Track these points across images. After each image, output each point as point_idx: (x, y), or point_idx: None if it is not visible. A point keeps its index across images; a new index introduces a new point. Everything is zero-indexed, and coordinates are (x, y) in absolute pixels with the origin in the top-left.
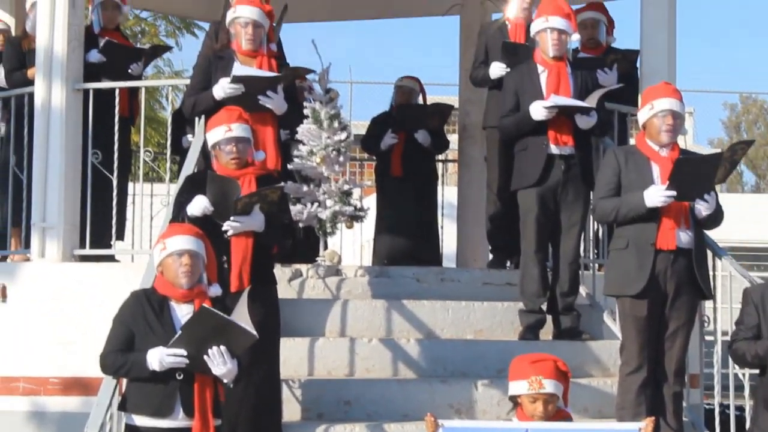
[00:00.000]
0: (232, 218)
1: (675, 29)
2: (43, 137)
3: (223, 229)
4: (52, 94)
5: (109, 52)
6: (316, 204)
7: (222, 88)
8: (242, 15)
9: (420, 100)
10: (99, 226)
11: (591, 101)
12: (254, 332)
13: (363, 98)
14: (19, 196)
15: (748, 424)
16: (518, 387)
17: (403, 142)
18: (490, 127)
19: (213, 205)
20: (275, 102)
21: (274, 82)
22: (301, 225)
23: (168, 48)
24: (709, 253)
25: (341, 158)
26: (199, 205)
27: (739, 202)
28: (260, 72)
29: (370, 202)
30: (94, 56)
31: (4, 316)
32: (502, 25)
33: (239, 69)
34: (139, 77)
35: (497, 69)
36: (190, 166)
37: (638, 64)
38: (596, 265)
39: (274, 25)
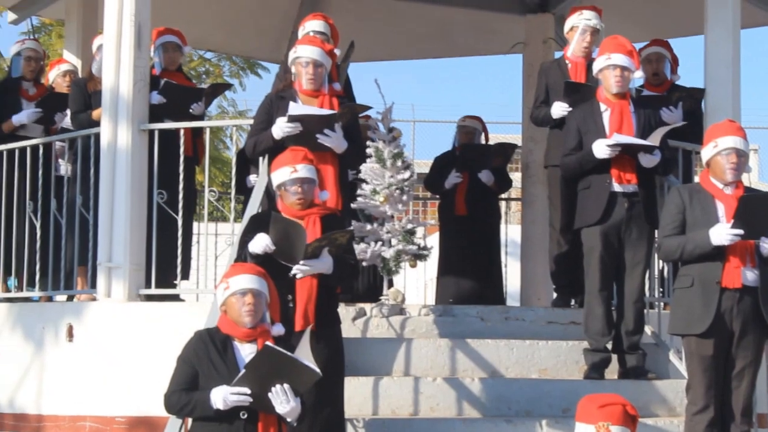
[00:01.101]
0: (301, 262)
1: (739, 66)
2: (109, 177)
3: (292, 273)
4: (118, 135)
5: (169, 93)
6: (379, 243)
7: (279, 128)
8: (303, 55)
9: (482, 140)
10: (164, 265)
11: (654, 139)
12: (317, 370)
13: (426, 137)
14: (86, 236)
15: None
16: (585, 431)
17: (467, 181)
18: (551, 165)
19: (275, 244)
20: (334, 140)
21: (331, 120)
22: (365, 264)
23: (228, 85)
24: None
25: (404, 197)
26: (260, 243)
27: None
28: (316, 110)
29: (434, 241)
30: (155, 98)
31: (70, 355)
32: (563, 63)
33: (295, 108)
34: (201, 116)
35: (559, 109)
36: (254, 206)
37: (702, 102)
38: (661, 304)
39: (338, 63)
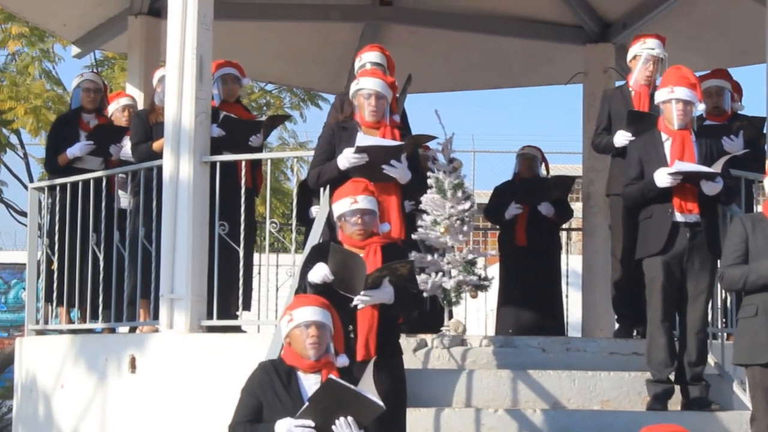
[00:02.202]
0: (362, 292)
1: None
2: (171, 209)
3: (353, 303)
4: (180, 167)
5: (228, 126)
6: (440, 274)
7: (346, 159)
8: (365, 87)
9: (542, 168)
10: (225, 296)
11: (716, 167)
12: (381, 403)
13: (486, 167)
14: (148, 267)
15: None
16: None
17: (527, 211)
18: (613, 194)
19: (333, 274)
20: (399, 171)
21: (397, 151)
22: (425, 295)
23: (287, 117)
24: None
25: (465, 227)
26: (319, 273)
27: None
28: (383, 141)
29: (494, 272)
30: (215, 131)
31: (133, 386)
32: (626, 91)
33: (363, 139)
34: (260, 148)
35: (621, 138)
36: (315, 237)
37: (766, 131)
38: (725, 334)
39: (397, 95)
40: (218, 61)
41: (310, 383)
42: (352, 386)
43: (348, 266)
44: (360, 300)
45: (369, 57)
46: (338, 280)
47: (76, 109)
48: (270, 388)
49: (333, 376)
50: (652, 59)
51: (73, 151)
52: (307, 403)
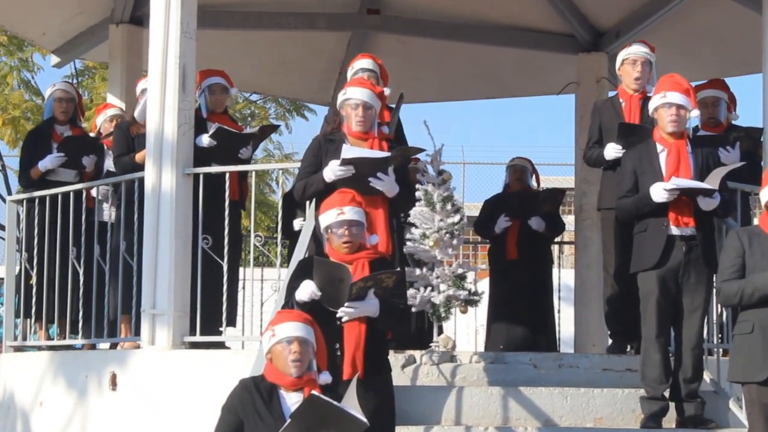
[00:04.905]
0: (346, 304)
1: None
2: (153, 222)
3: (338, 315)
4: (162, 179)
5: (220, 137)
6: (429, 288)
7: (332, 171)
8: (352, 97)
9: (533, 180)
10: (209, 312)
11: (713, 182)
12: (364, 419)
13: (476, 179)
14: (129, 282)
15: None
16: None
17: (518, 225)
18: (605, 208)
19: (320, 290)
20: (386, 184)
21: (384, 164)
22: (414, 310)
23: (276, 127)
24: None
25: (455, 241)
26: (306, 291)
27: None
28: (370, 153)
29: (484, 286)
30: (205, 141)
31: (114, 404)
32: (616, 102)
33: (348, 151)
34: (248, 160)
35: (612, 151)
36: (301, 251)
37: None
38: (721, 350)
39: (392, 111)
40: (204, 70)
41: (292, 401)
42: (335, 402)
43: (334, 279)
44: (344, 312)
45: (361, 64)
46: (325, 295)
47: (48, 120)
48: (251, 405)
49: (315, 392)
50: (639, 59)
51: (44, 164)
52: (289, 420)
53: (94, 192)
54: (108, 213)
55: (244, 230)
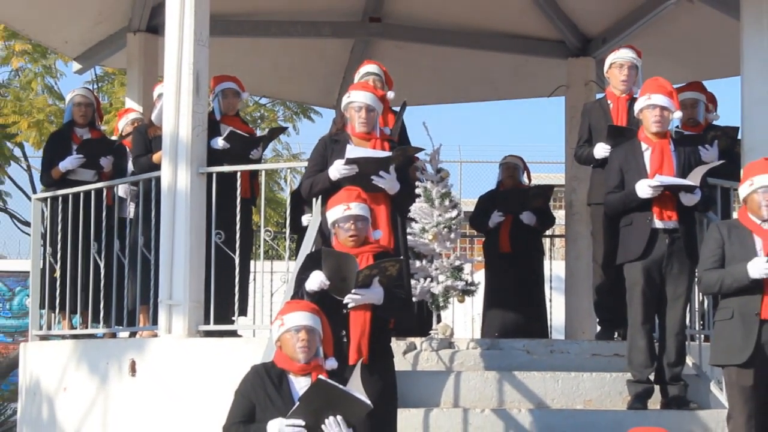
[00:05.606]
0: (353, 291)
1: None
2: (170, 219)
3: (344, 302)
4: (178, 178)
5: (233, 140)
6: (428, 279)
7: (337, 170)
8: (356, 99)
9: (524, 177)
10: (222, 302)
11: (695, 178)
12: (368, 402)
13: (472, 177)
14: (147, 275)
15: None
16: None
17: (510, 219)
18: (594, 203)
19: (329, 279)
20: (388, 182)
21: (386, 163)
22: (414, 299)
23: (284, 129)
24: None
25: (452, 235)
26: (315, 281)
27: None
28: (372, 152)
29: (480, 277)
30: (219, 144)
31: (133, 389)
32: (605, 104)
33: (352, 151)
34: (258, 161)
35: (601, 150)
36: (308, 245)
37: (741, 138)
38: (702, 336)
39: (396, 116)
40: (218, 76)
41: (300, 385)
42: (341, 386)
43: (341, 268)
44: (351, 298)
45: (368, 68)
46: (333, 284)
47: (68, 124)
48: (262, 390)
49: (322, 377)
50: (626, 63)
51: (64, 165)
52: (297, 403)
53: (121, 191)
54: (132, 210)
55: (255, 226)
